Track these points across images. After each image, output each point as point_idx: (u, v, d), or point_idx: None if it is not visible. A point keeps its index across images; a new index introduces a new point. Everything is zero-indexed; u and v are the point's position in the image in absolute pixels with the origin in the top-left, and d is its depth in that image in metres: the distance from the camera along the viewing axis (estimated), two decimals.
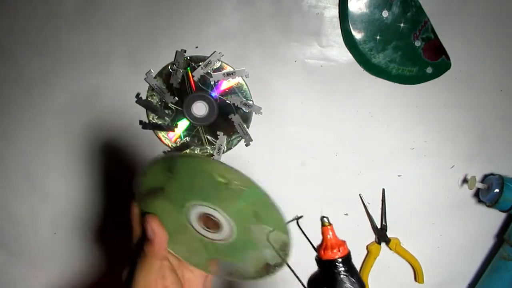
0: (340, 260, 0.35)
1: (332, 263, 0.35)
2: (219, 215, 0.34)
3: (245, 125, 0.59)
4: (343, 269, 0.35)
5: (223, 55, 0.57)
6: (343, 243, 0.36)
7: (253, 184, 0.30)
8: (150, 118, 0.59)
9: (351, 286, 0.34)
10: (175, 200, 0.35)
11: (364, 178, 0.61)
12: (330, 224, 0.36)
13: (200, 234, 0.37)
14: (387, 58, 0.57)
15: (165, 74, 0.58)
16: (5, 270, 0.64)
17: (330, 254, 0.35)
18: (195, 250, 0.38)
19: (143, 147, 0.60)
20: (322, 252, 0.35)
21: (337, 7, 0.56)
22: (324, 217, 0.36)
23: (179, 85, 0.58)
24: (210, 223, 0.36)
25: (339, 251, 0.35)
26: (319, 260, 0.35)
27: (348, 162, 0.60)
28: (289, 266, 0.34)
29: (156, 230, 0.35)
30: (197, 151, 0.60)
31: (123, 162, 0.60)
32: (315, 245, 0.51)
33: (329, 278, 0.35)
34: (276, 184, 0.60)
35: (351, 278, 0.34)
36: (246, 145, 0.60)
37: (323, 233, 0.35)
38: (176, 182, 0.33)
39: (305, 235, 0.47)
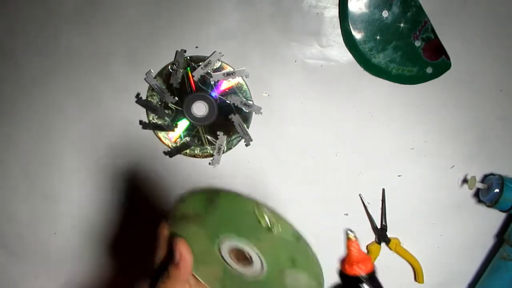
0: (365, 276, 0.34)
1: (357, 279, 0.34)
2: (253, 252, 0.35)
3: (245, 125, 0.59)
4: (368, 286, 0.34)
5: (223, 55, 0.57)
6: (368, 258, 0.35)
7: (294, 231, 0.31)
8: (150, 118, 0.59)
9: None
10: (210, 229, 0.36)
11: (364, 178, 0.61)
12: (356, 238, 0.35)
13: (228, 264, 0.37)
14: (387, 58, 0.57)
15: (165, 74, 0.58)
16: (5, 270, 0.64)
17: (355, 270, 0.34)
18: (218, 279, 0.39)
19: (143, 147, 0.60)
20: (346, 266, 0.34)
21: (337, 7, 0.56)
22: (349, 230, 0.35)
23: (179, 85, 0.58)
24: (242, 257, 0.36)
25: (364, 266, 0.34)
26: (342, 274, 0.34)
27: (348, 162, 0.60)
28: None
29: (184, 254, 0.36)
30: (197, 151, 0.60)
31: (123, 162, 0.60)
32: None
33: None
34: (276, 184, 0.60)
35: None
36: (246, 145, 0.60)
37: (348, 247, 0.34)
38: (216, 214, 0.34)
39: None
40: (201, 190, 0.33)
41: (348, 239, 0.35)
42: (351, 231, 0.34)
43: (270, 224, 0.31)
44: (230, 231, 0.35)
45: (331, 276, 0.63)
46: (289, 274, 0.34)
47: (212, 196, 0.33)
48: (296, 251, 0.33)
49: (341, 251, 0.63)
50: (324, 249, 0.61)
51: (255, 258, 0.35)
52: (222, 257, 0.37)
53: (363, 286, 0.33)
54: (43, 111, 0.59)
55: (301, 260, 0.33)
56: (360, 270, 0.33)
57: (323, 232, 0.62)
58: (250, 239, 0.34)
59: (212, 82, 0.58)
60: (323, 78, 0.58)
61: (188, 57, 0.57)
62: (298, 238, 0.32)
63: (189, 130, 0.59)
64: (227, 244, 0.36)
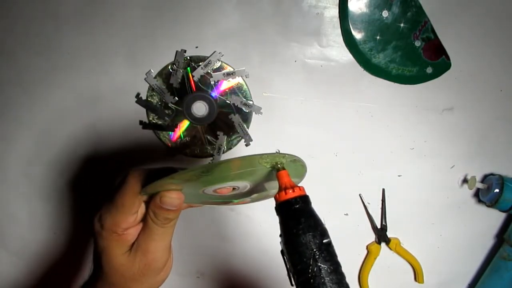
0: (297, 198, 0.32)
1: (289, 202, 0.32)
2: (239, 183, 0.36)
3: (245, 125, 0.59)
4: (300, 206, 0.32)
5: (223, 55, 0.57)
6: (300, 187, 0.33)
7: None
8: (150, 118, 0.59)
9: (307, 228, 0.31)
10: (198, 184, 0.36)
11: (364, 178, 0.61)
12: (284, 168, 0.34)
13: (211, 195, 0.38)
14: (387, 58, 0.57)
15: (165, 74, 0.58)
16: (5, 270, 0.63)
17: (287, 195, 0.32)
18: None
19: (143, 147, 0.60)
20: (277, 196, 0.33)
21: (337, 7, 0.56)
22: (278, 163, 0.34)
23: (179, 85, 0.58)
24: (226, 190, 0.37)
25: (294, 191, 0.32)
26: (276, 207, 0.33)
27: (348, 162, 0.60)
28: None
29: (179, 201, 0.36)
30: (197, 151, 0.60)
31: (123, 162, 0.60)
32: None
33: (284, 222, 0.32)
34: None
35: (308, 220, 0.32)
36: (246, 145, 0.60)
37: (279, 178, 0.33)
38: (209, 176, 0.34)
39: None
40: (201, 166, 0.33)
41: (277, 171, 0.34)
42: (281, 163, 0.34)
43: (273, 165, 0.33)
44: (221, 182, 0.35)
45: None
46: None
47: (210, 167, 0.33)
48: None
49: (341, 251, 0.63)
50: None
51: (242, 185, 0.36)
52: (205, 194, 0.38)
53: (297, 207, 0.32)
54: (43, 111, 0.59)
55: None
56: (293, 194, 0.32)
57: None
58: (242, 179, 0.35)
59: (212, 82, 0.58)
60: (323, 78, 0.58)
61: (188, 57, 0.57)
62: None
63: (189, 130, 0.59)
64: (210, 188, 0.36)
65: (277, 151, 0.32)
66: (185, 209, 0.40)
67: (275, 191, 0.35)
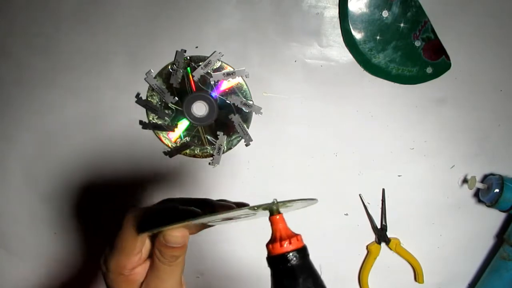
0: (294, 253, 0.27)
1: (284, 257, 0.27)
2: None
3: (245, 125, 0.59)
4: (298, 263, 0.27)
5: (223, 55, 0.57)
6: (298, 235, 0.28)
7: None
8: (150, 118, 0.59)
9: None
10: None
11: (364, 178, 0.61)
12: (279, 212, 0.29)
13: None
14: (387, 58, 0.57)
15: (165, 74, 0.58)
16: (5, 270, 0.63)
17: (282, 248, 0.27)
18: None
19: (143, 147, 0.60)
20: (271, 247, 0.28)
21: (337, 7, 0.56)
22: (274, 202, 0.28)
23: (179, 85, 0.58)
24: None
25: (290, 243, 0.27)
26: (268, 259, 0.28)
27: (348, 162, 0.60)
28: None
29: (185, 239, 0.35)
30: (197, 151, 0.60)
31: (123, 162, 0.60)
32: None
33: (278, 280, 0.28)
34: (276, 184, 0.60)
35: (307, 280, 0.27)
36: (246, 145, 0.60)
37: (272, 224, 0.28)
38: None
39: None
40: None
41: (271, 215, 0.29)
42: (275, 203, 0.29)
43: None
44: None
45: (329, 274, 0.63)
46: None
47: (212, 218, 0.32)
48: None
49: (341, 251, 0.63)
50: (324, 249, 0.61)
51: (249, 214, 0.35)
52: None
53: (292, 264, 0.27)
54: (43, 111, 0.59)
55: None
56: (289, 246, 0.27)
57: (323, 232, 0.62)
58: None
59: (212, 82, 0.58)
60: (323, 78, 0.58)
61: (188, 57, 0.57)
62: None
63: (189, 130, 0.59)
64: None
65: (274, 200, 0.29)
66: (195, 233, 0.39)
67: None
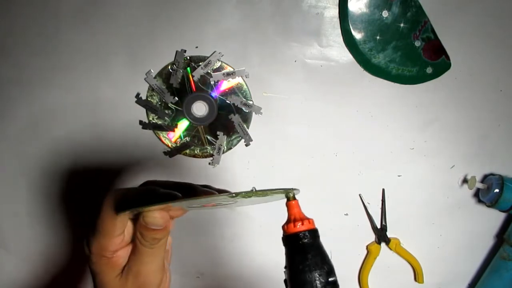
0: (306, 232, 0.31)
1: (297, 236, 0.31)
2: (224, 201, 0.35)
3: (245, 125, 0.59)
4: (309, 241, 0.31)
5: (223, 55, 0.57)
6: (311, 219, 0.33)
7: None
8: (150, 118, 0.59)
9: (313, 265, 0.31)
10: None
11: (364, 178, 0.61)
12: (295, 198, 0.33)
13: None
14: (387, 58, 0.57)
15: (165, 74, 0.58)
16: (5, 270, 0.63)
17: (296, 227, 0.31)
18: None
19: (143, 147, 0.60)
20: (286, 227, 0.32)
21: (337, 7, 0.56)
22: (290, 192, 0.33)
23: (179, 85, 0.58)
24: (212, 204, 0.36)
25: (303, 224, 0.32)
26: (284, 238, 0.32)
27: (348, 162, 0.60)
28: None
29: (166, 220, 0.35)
30: (197, 151, 0.60)
31: (123, 162, 0.60)
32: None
33: (290, 256, 0.32)
34: (276, 184, 0.60)
35: (316, 256, 0.31)
36: (246, 145, 0.60)
37: (288, 208, 0.33)
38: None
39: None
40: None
41: (288, 200, 0.33)
42: (292, 191, 0.33)
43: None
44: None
45: None
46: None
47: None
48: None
49: (341, 251, 0.63)
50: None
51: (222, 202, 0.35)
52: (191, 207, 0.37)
53: (304, 242, 0.31)
54: (43, 111, 0.59)
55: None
56: (300, 227, 0.31)
57: (323, 232, 0.62)
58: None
59: (212, 82, 0.58)
60: (323, 78, 0.58)
61: (188, 57, 0.57)
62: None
63: (189, 130, 0.59)
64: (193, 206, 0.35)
65: (253, 188, 0.31)
66: (179, 216, 0.38)
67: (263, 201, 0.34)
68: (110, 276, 0.36)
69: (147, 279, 0.36)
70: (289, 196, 0.33)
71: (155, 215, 0.34)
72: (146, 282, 0.36)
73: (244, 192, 0.30)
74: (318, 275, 0.31)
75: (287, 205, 0.33)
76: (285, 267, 0.32)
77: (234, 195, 0.30)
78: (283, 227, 0.32)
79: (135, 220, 0.35)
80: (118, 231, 0.35)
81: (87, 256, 0.36)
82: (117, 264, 0.36)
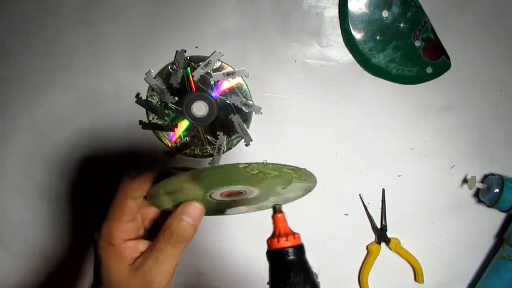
0: (291, 248, 0.30)
1: (281, 252, 0.30)
2: (245, 188, 0.34)
3: (245, 125, 0.59)
4: (292, 258, 0.30)
5: (223, 55, 0.57)
6: (297, 234, 0.31)
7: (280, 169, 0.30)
8: (150, 118, 0.59)
9: (295, 284, 0.30)
10: (197, 192, 0.35)
11: (364, 178, 0.61)
12: (281, 211, 0.32)
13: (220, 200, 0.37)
14: (387, 58, 0.57)
15: (165, 74, 0.58)
16: (5, 270, 0.63)
17: (280, 243, 0.30)
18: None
19: (143, 147, 0.60)
20: (270, 242, 0.31)
21: (337, 7, 0.56)
22: (276, 205, 0.32)
23: (179, 85, 0.58)
24: (234, 193, 0.35)
25: (287, 240, 0.30)
26: (268, 253, 0.32)
27: (348, 162, 0.60)
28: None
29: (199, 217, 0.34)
30: (197, 151, 0.60)
31: (122, 162, 0.60)
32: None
33: (273, 272, 0.31)
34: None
35: (298, 274, 0.30)
36: (246, 145, 0.60)
37: (274, 222, 0.32)
38: (202, 183, 0.33)
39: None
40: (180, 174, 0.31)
41: (274, 213, 0.32)
42: (278, 205, 0.32)
43: (261, 173, 0.30)
44: (219, 185, 0.33)
45: (329, 274, 0.63)
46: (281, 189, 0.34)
47: (194, 175, 0.32)
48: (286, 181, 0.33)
49: (341, 251, 0.63)
50: (324, 249, 0.61)
51: (248, 190, 0.34)
52: (213, 198, 0.36)
53: (287, 259, 0.30)
54: (43, 111, 0.59)
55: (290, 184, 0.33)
56: (285, 243, 0.30)
57: (323, 232, 0.62)
58: (241, 183, 0.33)
59: (212, 82, 0.58)
60: (323, 78, 0.58)
61: (188, 57, 0.57)
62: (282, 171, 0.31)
63: (189, 130, 0.59)
64: (217, 193, 0.34)
65: (265, 161, 0.31)
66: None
67: (271, 203, 0.33)
68: (116, 266, 0.35)
69: (155, 279, 0.35)
70: (276, 208, 0.32)
71: (197, 204, 0.33)
72: (153, 281, 0.35)
73: (256, 163, 0.29)
74: None
75: (273, 217, 0.32)
76: (268, 283, 0.31)
77: (246, 164, 0.29)
78: (267, 241, 0.31)
79: (149, 217, 0.36)
80: (128, 215, 0.35)
81: (95, 242, 0.36)
82: (124, 255, 0.35)
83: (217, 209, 0.40)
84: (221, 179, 0.33)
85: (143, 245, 0.36)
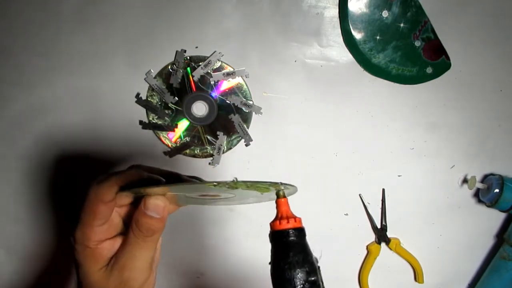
0: (292, 230, 0.32)
1: (283, 233, 0.32)
2: (222, 192, 0.35)
3: (245, 125, 0.59)
4: (292, 239, 0.32)
5: (223, 55, 0.57)
6: (298, 218, 0.33)
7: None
8: (150, 118, 0.59)
9: (294, 264, 0.31)
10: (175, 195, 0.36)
11: (364, 178, 0.61)
12: (285, 196, 0.34)
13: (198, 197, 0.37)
14: (387, 58, 0.57)
15: (165, 74, 0.58)
16: (5, 270, 0.63)
17: (282, 225, 0.32)
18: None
19: (143, 147, 0.60)
20: (273, 224, 0.33)
21: (337, 7, 0.56)
22: (280, 190, 0.34)
23: (179, 85, 0.58)
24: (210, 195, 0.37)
25: (288, 223, 0.32)
26: (270, 234, 0.33)
27: (348, 162, 0.60)
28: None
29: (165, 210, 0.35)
30: (197, 151, 0.60)
31: (123, 162, 0.60)
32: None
33: (274, 252, 0.32)
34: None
35: (298, 255, 0.31)
36: (246, 145, 0.60)
37: (277, 206, 0.34)
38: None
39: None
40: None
41: (277, 197, 0.34)
42: (282, 190, 0.34)
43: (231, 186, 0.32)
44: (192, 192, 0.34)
45: (329, 274, 0.63)
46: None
47: (164, 190, 0.33)
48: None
49: (341, 251, 0.63)
50: (324, 249, 0.61)
51: (224, 195, 0.35)
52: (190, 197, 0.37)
53: (287, 240, 0.32)
54: (43, 111, 0.59)
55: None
56: (286, 225, 0.32)
57: (323, 232, 0.62)
58: (215, 192, 0.34)
59: (212, 82, 0.58)
60: (323, 78, 0.58)
61: (188, 57, 0.57)
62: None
63: (189, 130, 0.59)
64: (194, 195, 0.35)
65: (235, 179, 0.32)
66: (172, 212, 0.38)
67: (253, 200, 0.35)
68: (93, 268, 0.35)
69: (132, 275, 0.35)
70: (279, 194, 0.34)
71: (158, 199, 0.34)
72: (130, 278, 0.35)
73: (227, 182, 0.30)
74: (298, 274, 0.31)
75: (276, 202, 0.34)
76: (269, 263, 0.33)
77: (215, 184, 0.30)
78: (270, 224, 0.33)
79: (127, 208, 0.36)
80: (101, 217, 0.34)
81: (72, 246, 0.35)
82: (101, 256, 0.35)
83: (197, 202, 0.40)
84: (192, 190, 0.34)
85: (120, 242, 0.36)
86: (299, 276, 0.31)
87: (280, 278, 0.31)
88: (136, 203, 0.35)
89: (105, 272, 0.35)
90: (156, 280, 0.38)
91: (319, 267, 0.32)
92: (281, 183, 0.33)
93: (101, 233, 0.35)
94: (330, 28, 0.57)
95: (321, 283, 0.32)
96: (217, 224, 0.62)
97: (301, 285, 0.31)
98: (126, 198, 0.36)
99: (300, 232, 0.33)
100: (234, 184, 0.30)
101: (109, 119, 0.59)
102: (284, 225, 0.32)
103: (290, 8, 0.56)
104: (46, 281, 0.64)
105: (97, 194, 0.34)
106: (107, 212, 0.35)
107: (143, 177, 0.35)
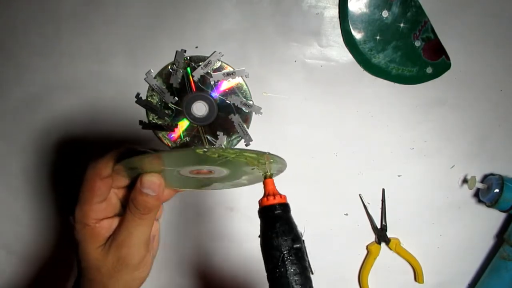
0: (278, 205, 0.36)
1: (270, 207, 0.36)
2: (214, 168, 0.36)
3: (245, 125, 0.59)
4: (278, 213, 0.35)
5: (223, 55, 0.57)
6: (283, 196, 0.37)
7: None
8: (150, 118, 0.59)
9: (281, 233, 0.35)
10: (160, 168, 0.36)
11: (364, 178, 0.61)
12: (271, 177, 0.38)
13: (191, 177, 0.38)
14: (387, 58, 0.57)
15: (165, 74, 0.58)
16: (5, 270, 0.63)
17: (269, 200, 0.36)
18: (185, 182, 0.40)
19: (143, 147, 0.60)
20: (260, 201, 0.36)
21: (337, 7, 0.56)
22: (267, 172, 0.38)
23: (179, 85, 0.58)
24: (203, 172, 0.37)
25: (274, 199, 0.36)
26: (259, 211, 0.37)
27: (348, 162, 0.60)
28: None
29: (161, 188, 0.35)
30: None
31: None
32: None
33: (263, 225, 0.36)
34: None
35: (284, 226, 0.35)
36: (246, 145, 0.60)
37: (264, 185, 0.37)
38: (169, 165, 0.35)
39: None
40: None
41: (265, 178, 0.37)
42: (270, 155, 0.36)
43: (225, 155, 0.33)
44: (187, 165, 0.35)
45: (329, 274, 0.63)
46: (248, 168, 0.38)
47: (158, 156, 0.34)
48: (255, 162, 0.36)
49: (341, 251, 0.63)
50: (324, 249, 0.61)
51: (216, 170, 0.36)
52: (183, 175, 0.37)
53: (274, 213, 0.35)
54: (43, 111, 0.59)
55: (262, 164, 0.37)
56: (272, 201, 0.36)
57: (323, 232, 0.62)
58: (206, 164, 0.35)
59: (212, 82, 0.58)
60: (323, 78, 0.58)
61: (188, 57, 0.57)
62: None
63: (189, 130, 0.59)
64: (186, 170, 0.36)
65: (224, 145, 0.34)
66: (168, 199, 0.39)
67: (246, 180, 0.38)
68: (92, 246, 0.36)
69: (129, 252, 0.36)
70: (266, 174, 0.37)
71: (153, 176, 0.35)
72: (128, 254, 0.36)
73: (214, 147, 0.32)
74: (283, 241, 0.34)
75: (264, 182, 0.37)
76: (259, 236, 0.36)
77: (205, 149, 0.32)
78: (259, 201, 0.36)
79: (125, 191, 0.36)
80: (100, 195, 0.35)
81: (71, 226, 0.36)
82: (99, 234, 0.36)
83: (191, 184, 0.41)
84: (184, 161, 0.34)
85: (117, 223, 0.37)
86: (285, 244, 0.34)
87: (268, 245, 0.35)
88: (133, 187, 0.36)
89: (103, 250, 0.36)
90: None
91: (304, 241, 0.35)
92: (269, 153, 0.35)
93: (99, 211, 0.36)
94: (330, 28, 0.57)
95: (304, 250, 0.35)
96: (217, 224, 0.62)
97: (287, 251, 0.34)
98: (123, 180, 0.37)
99: (285, 206, 0.36)
100: (223, 151, 0.32)
101: (109, 119, 0.59)
102: (271, 201, 0.36)
103: (290, 8, 0.56)
104: (46, 281, 0.64)
105: (95, 169, 0.35)
106: (105, 189, 0.36)
107: (137, 150, 0.36)
